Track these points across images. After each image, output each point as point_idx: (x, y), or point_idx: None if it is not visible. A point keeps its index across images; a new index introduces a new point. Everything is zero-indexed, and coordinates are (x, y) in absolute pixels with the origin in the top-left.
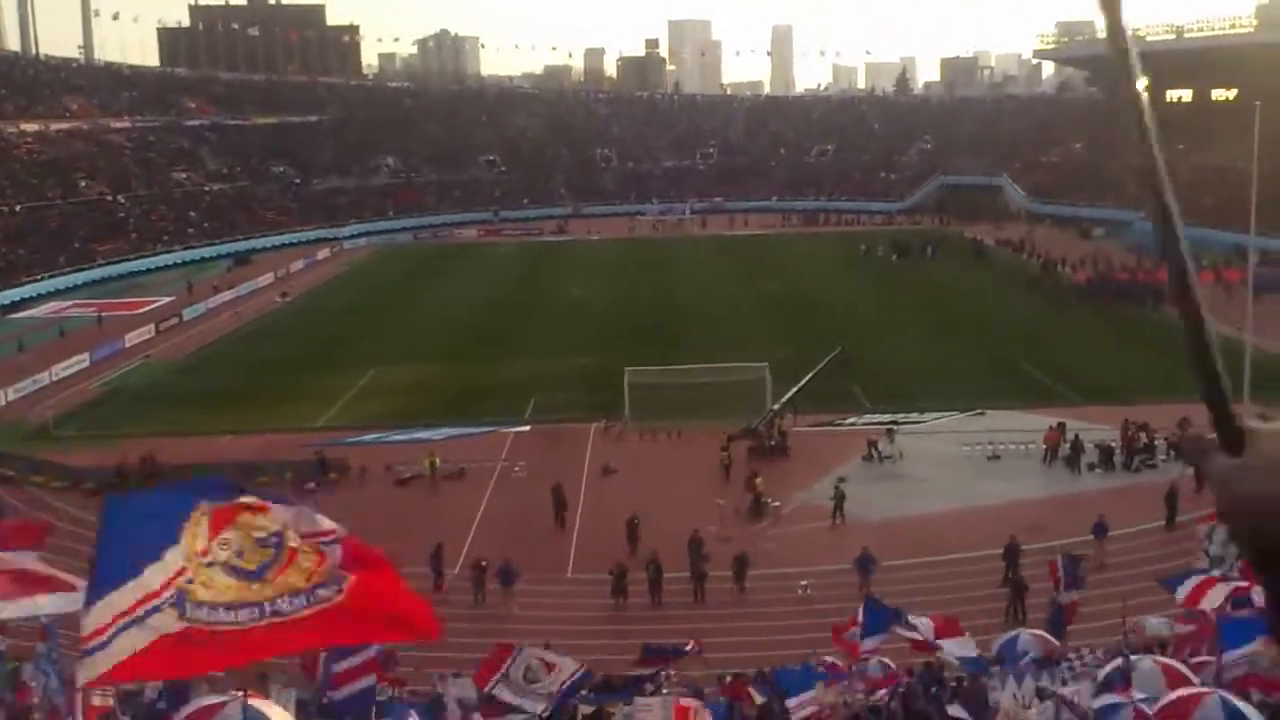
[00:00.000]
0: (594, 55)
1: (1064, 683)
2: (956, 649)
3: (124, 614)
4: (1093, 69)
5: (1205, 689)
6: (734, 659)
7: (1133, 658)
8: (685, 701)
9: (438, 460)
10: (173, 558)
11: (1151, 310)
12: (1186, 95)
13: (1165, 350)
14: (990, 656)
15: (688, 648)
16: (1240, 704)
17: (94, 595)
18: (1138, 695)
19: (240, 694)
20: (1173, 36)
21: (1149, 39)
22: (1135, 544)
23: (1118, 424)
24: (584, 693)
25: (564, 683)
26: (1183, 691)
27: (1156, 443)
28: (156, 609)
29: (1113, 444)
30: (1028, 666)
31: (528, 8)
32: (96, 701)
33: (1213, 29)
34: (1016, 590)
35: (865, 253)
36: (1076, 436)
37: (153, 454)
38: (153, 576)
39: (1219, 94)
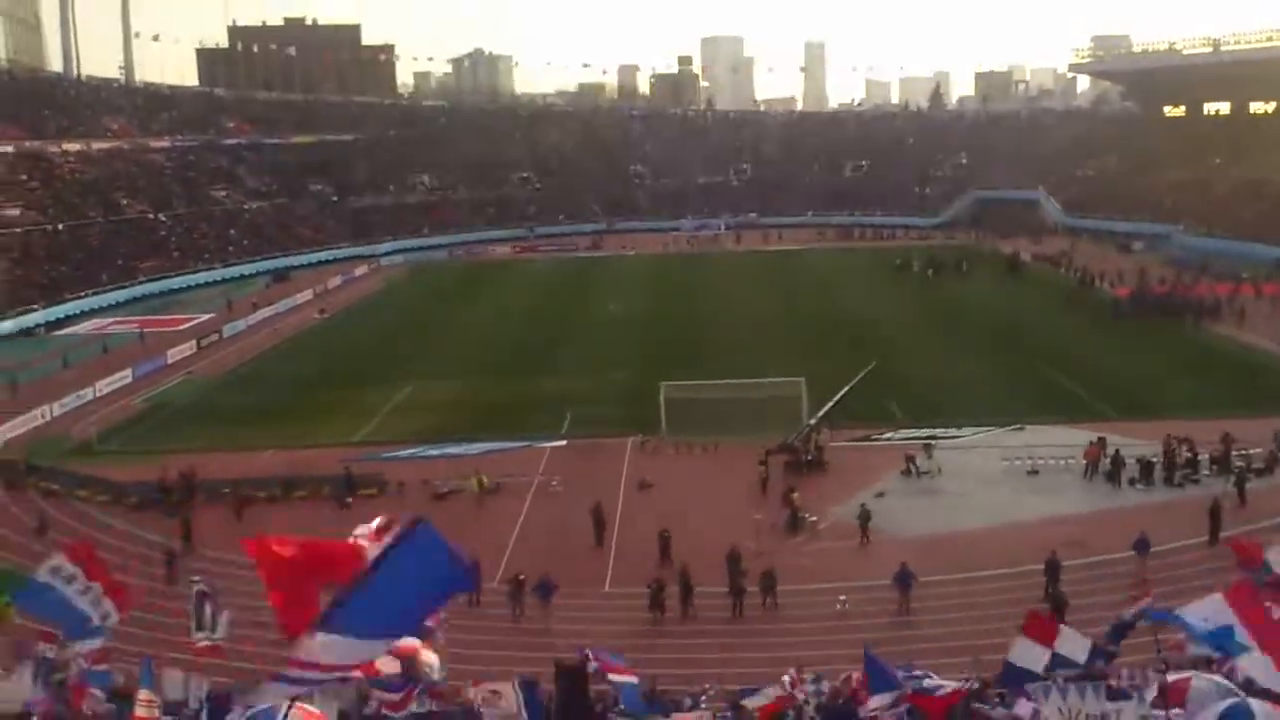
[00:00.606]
0: (627, 72)
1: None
2: (1025, 654)
3: (344, 666)
4: (1128, 83)
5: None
6: (769, 674)
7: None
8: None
9: (485, 479)
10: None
11: (1191, 325)
12: (1224, 108)
13: (1206, 365)
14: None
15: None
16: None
17: (335, 626)
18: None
19: (286, 703)
20: (1209, 50)
21: (1185, 52)
22: (1178, 559)
23: (1158, 439)
24: (620, 707)
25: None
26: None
27: (1200, 458)
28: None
29: (1154, 459)
30: (1072, 680)
31: (561, 26)
32: (141, 714)
33: (1250, 42)
34: (1057, 606)
35: (900, 267)
36: (1117, 451)
37: (193, 469)
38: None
39: (1257, 107)
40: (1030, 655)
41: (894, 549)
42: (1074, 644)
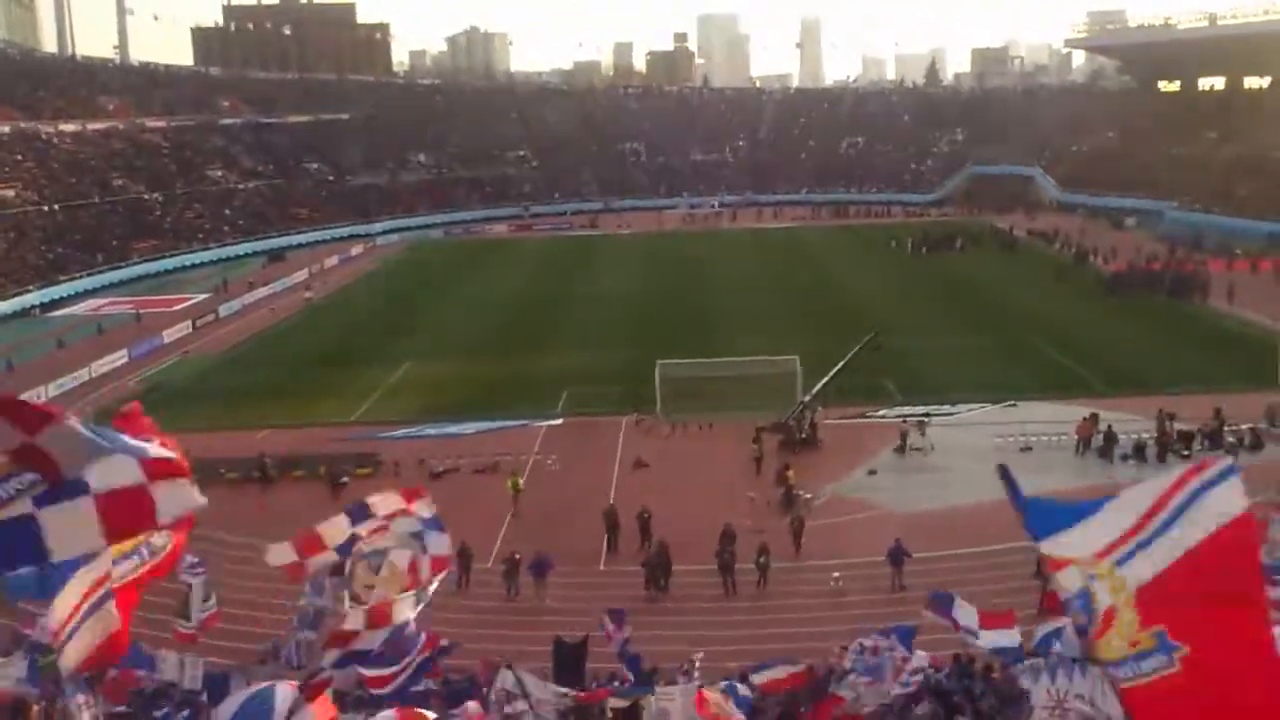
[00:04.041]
0: (623, 50)
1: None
2: (999, 640)
3: (84, 598)
4: (1124, 58)
5: None
6: (764, 651)
7: None
8: (707, 690)
9: (520, 481)
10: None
11: (1183, 300)
12: (1219, 83)
13: (1198, 340)
14: (1029, 648)
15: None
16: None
17: (56, 584)
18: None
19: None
20: (1206, 24)
21: (1181, 27)
22: None
23: (1151, 415)
24: (616, 684)
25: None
26: None
27: (1193, 432)
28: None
29: (1146, 435)
30: (1060, 660)
31: (556, 4)
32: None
33: (1246, 16)
34: (1049, 583)
35: (895, 246)
36: (1109, 427)
37: (185, 450)
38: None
39: (1252, 82)
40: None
41: (887, 526)
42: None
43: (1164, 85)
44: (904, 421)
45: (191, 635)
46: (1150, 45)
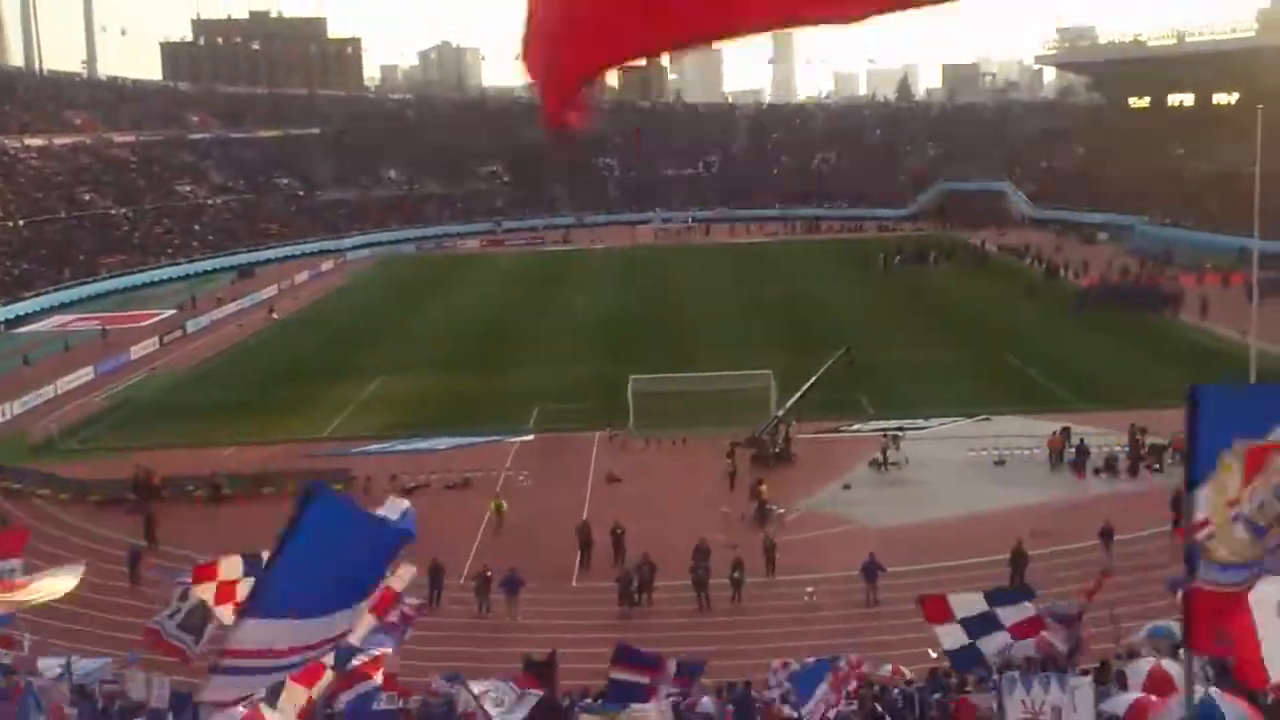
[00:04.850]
0: None
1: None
2: (947, 638)
3: (301, 649)
4: (1095, 74)
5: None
6: (738, 666)
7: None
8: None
9: (504, 505)
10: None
11: (1154, 314)
12: (1189, 99)
13: (1169, 354)
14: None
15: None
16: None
17: (268, 610)
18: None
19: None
20: (1174, 41)
21: (1150, 44)
22: (1142, 549)
23: (1123, 428)
24: (586, 700)
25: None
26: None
27: (1165, 446)
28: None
29: (1119, 448)
30: (1031, 671)
31: None
32: None
33: (1214, 33)
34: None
35: (883, 261)
36: (1082, 441)
37: (148, 470)
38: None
39: (1221, 98)
40: (950, 636)
41: (861, 540)
42: (968, 604)
43: (1134, 101)
44: (885, 436)
45: (191, 657)
46: (1120, 62)
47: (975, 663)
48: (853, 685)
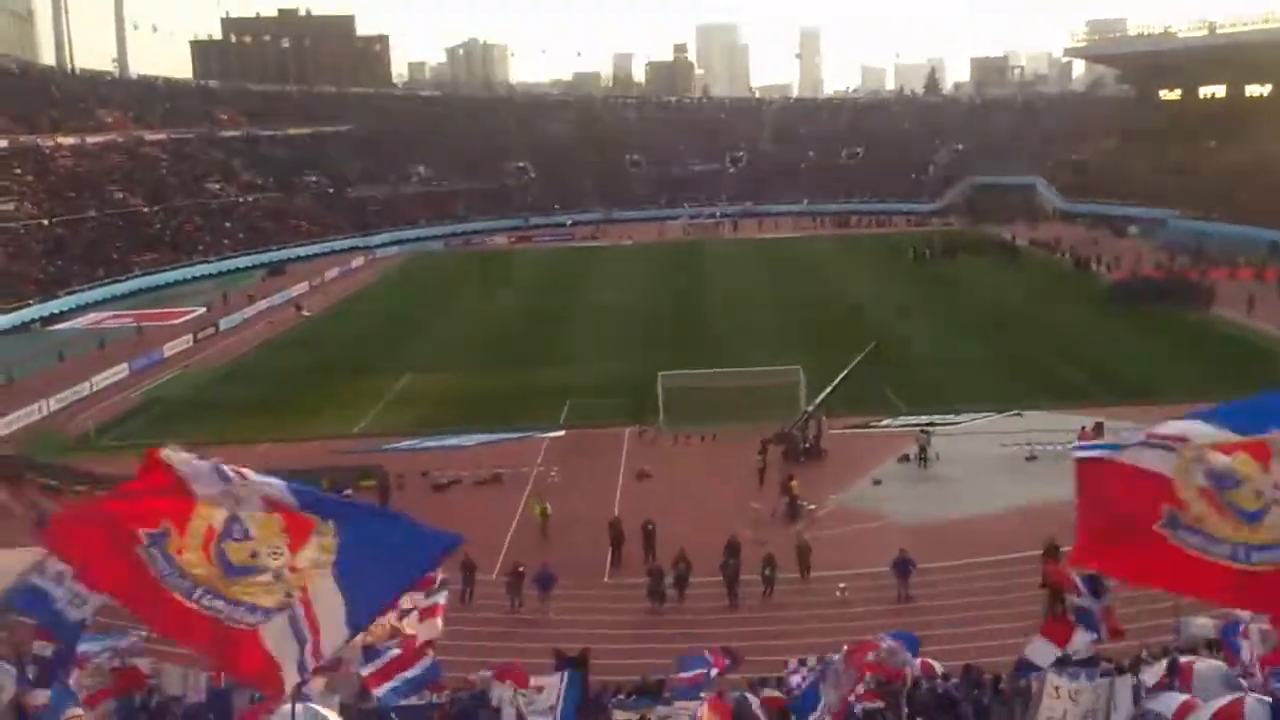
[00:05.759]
0: (622, 61)
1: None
2: (1039, 654)
3: None
4: (1124, 67)
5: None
6: (769, 662)
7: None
8: (714, 705)
9: (548, 508)
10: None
11: (1186, 309)
12: (1220, 91)
13: (1201, 348)
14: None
15: (715, 671)
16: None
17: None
18: (1183, 698)
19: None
20: (1205, 32)
21: (1181, 35)
22: None
23: (1155, 423)
24: (620, 697)
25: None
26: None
27: None
28: None
29: None
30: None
31: (556, 15)
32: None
33: (1246, 24)
34: (1055, 591)
35: (914, 256)
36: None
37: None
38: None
39: (1253, 90)
40: (1042, 653)
41: (892, 535)
42: (1081, 643)
43: (1165, 94)
44: (921, 432)
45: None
46: (1150, 54)
47: (1028, 674)
48: (867, 661)
